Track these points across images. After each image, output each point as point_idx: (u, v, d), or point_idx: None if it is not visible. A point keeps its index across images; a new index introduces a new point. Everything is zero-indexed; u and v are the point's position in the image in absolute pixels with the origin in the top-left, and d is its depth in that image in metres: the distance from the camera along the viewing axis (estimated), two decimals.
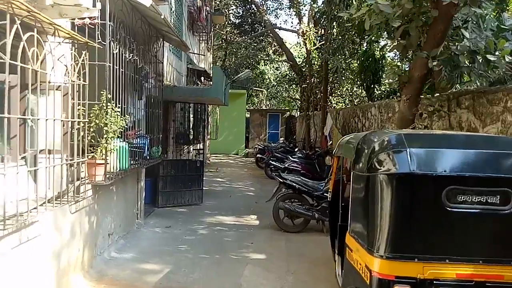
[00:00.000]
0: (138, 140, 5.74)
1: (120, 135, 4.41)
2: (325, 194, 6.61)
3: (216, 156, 19.86)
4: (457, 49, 4.80)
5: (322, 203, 6.62)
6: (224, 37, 25.69)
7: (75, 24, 3.76)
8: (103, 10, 3.84)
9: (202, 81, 11.56)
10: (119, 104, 4.34)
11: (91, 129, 3.87)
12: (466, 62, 4.75)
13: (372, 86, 12.00)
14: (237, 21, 27.06)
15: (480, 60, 4.76)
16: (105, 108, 3.89)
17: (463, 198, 2.63)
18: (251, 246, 6.00)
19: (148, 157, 6.11)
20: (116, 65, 4.25)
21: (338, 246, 3.94)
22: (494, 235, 2.76)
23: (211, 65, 16.68)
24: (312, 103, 16.71)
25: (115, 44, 4.15)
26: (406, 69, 5.97)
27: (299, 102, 23.84)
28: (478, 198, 2.62)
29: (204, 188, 10.35)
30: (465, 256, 2.66)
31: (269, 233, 6.71)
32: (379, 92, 12.06)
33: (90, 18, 3.65)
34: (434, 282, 2.59)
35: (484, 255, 2.68)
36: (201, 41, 13.28)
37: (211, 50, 17.08)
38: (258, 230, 6.94)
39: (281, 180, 6.74)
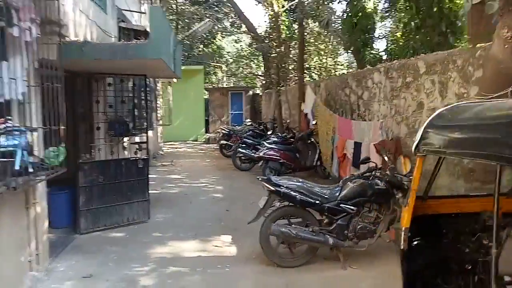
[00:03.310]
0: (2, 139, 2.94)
1: None
2: (342, 205, 4.15)
3: (171, 145, 16.90)
4: None
5: (338, 220, 4.16)
6: (175, 7, 22.24)
7: None
8: None
9: None
10: None
11: None
12: None
13: (362, 49, 9.63)
14: None
15: None
16: None
17: None
18: None
19: (27, 169, 3.29)
20: None
21: None
22: None
23: None
24: (283, 76, 14.11)
25: None
26: None
27: (263, 78, 21.23)
28: None
29: (155, 191, 7.64)
30: None
31: (257, 273, 4.17)
32: (372, 56, 9.71)
33: None
34: None
35: None
36: (142, 0, 10.20)
37: None
38: (238, 266, 4.37)
39: (273, 189, 4.15)
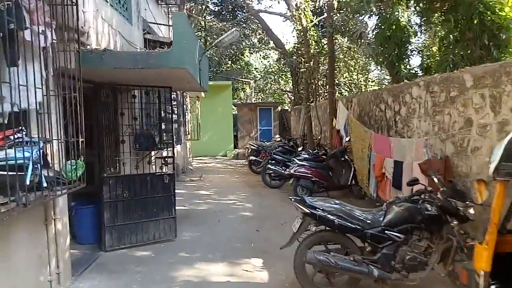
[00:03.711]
0: (9, 151, 2.75)
1: None
2: (387, 231, 3.73)
3: (200, 160, 16.82)
4: None
5: (383, 249, 3.73)
6: (203, 24, 22.56)
7: None
8: None
9: None
10: None
11: None
12: None
13: (397, 63, 9.17)
14: (216, 8, 24.20)
15: None
16: None
17: None
18: None
19: (40, 183, 3.10)
20: None
21: None
22: None
23: None
24: (312, 91, 13.80)
25: None
26: None
27: (292, 94, 20.97)
28: None
29: (182, 207, 7.45)
30: None
31: None
32: (407, 71, 9.21)
33: None
34: None
35: None
36: (169, 15, 10.25)
37: None
38: None
39: (308, 211, 3.80)
